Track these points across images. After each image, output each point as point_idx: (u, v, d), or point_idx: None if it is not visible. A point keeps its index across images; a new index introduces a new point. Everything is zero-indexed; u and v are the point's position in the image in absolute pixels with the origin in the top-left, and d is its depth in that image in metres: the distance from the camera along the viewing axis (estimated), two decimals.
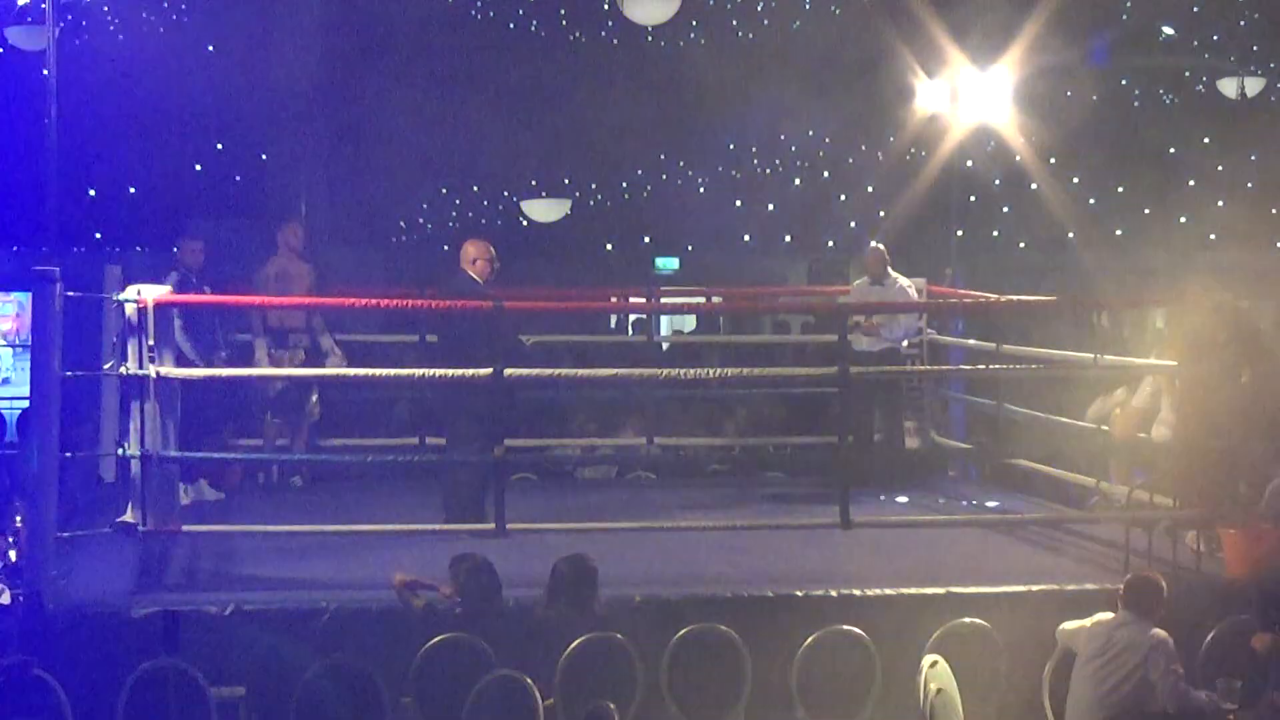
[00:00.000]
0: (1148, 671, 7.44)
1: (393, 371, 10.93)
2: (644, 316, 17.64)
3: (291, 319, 11.67)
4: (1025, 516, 10.55)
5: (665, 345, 16.32)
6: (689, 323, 22.02)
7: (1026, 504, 11.59)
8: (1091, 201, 23.04)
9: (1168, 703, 7.41)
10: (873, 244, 12.39)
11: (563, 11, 20.95)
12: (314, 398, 11.83)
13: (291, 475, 12.03)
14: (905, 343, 12.21)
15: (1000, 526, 10.28)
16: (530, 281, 13.42)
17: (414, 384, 11.69)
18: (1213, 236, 23.45)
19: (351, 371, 11.11)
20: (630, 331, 20.82)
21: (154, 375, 8.54)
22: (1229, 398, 9.23)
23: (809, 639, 8.11)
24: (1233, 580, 8.86)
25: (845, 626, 8.21)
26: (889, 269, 12.13)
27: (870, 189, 23.15)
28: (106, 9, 19.16)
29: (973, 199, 20.76)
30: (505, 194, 23.75)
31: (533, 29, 21.45)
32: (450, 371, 9.44)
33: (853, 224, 23.74)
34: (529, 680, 7.59)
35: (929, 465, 12.77)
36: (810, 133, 23.25)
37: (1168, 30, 20.81)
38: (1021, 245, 23.70)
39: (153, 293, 8.63)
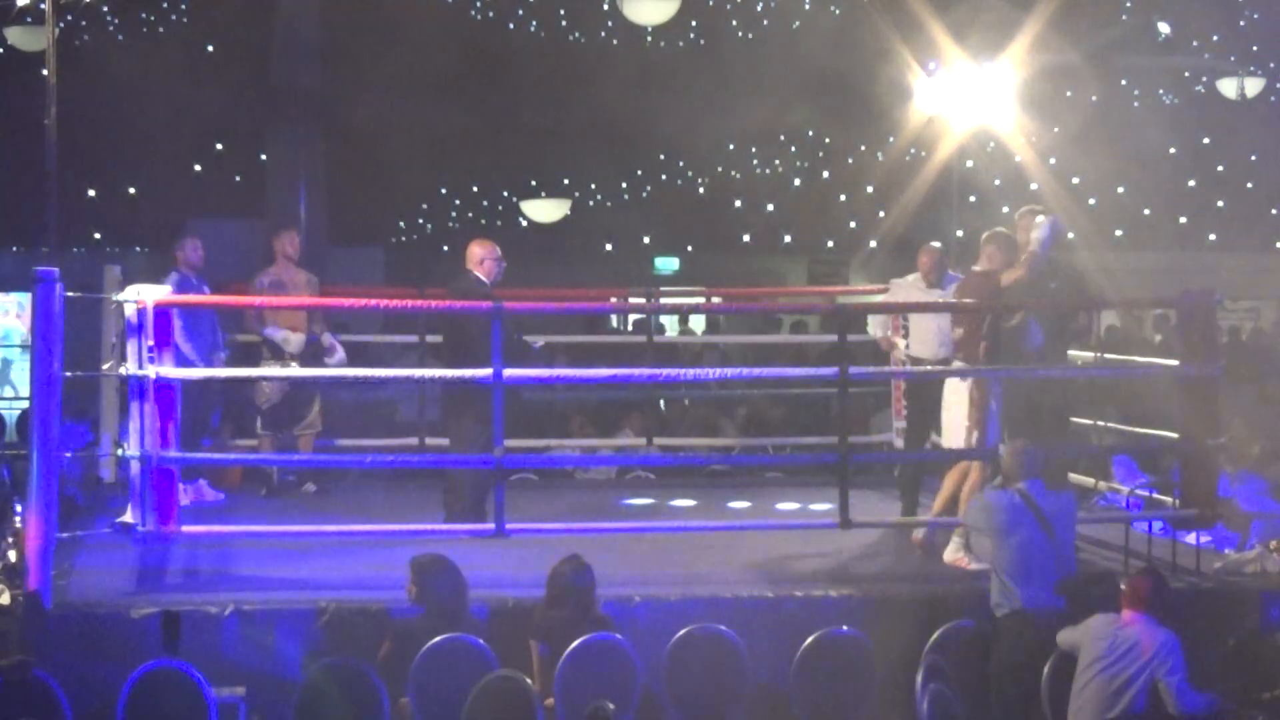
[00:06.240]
0: (1153, 672, 7.43)
1: (393, 371, 10.92)
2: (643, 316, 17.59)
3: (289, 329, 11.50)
4: None
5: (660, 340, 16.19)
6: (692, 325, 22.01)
7: None
8: (1091, 201, 23.05)
9: (1171, 704, 7.41)
10: (932, 243, 11.03)
11: (562, 11, 20.96)
12: (315, 408, 11.68)
13: (303, 483, 11.90)
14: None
15: None
16: (530, 282, 13.41)
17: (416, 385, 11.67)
18: (1213, 237, 23.48)
19: (351, 371, 11.09)
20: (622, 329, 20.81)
21: (154, 376, 8.54)
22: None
23: (809, 639, 8.11)
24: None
25: (845, 627, 8.21)
26: (948, 271, 10.76)
27: (870, 189, 23.18)
28: (106, 9, 19.18)
29: (973, 199, 20.76)
30: (505, 194, 23.81)
31: (533, 29, 21.46)
32: (451, 372, 9.43)
33: (853, 224, 23.78)
34: (528, 680, 7.60)
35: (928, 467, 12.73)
36: (810, 133, 23.29)
37: (1165, 29, 20.79)
38: None
39: (152, 293, 8.62)
